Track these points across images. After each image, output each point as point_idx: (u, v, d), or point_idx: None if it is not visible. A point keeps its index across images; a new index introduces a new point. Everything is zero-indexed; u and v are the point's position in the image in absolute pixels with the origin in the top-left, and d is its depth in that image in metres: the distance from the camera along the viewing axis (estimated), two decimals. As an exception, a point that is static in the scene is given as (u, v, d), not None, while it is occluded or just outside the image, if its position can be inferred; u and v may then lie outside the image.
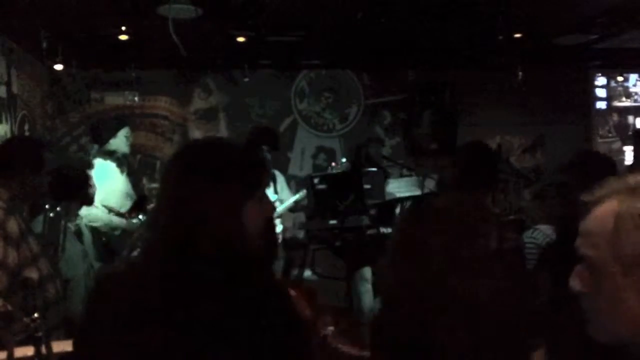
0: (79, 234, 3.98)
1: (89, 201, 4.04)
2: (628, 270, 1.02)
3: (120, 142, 4.73)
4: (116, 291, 1.35)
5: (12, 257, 2.51)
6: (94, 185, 4.15)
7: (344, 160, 5.97)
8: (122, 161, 4.77)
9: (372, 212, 4.89)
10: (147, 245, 1.44)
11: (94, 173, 4.52)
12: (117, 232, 4.48)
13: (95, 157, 4.73)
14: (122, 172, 4.75)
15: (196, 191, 1.36)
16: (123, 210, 4.51)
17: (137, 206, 4.57)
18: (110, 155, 4.68)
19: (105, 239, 4.42)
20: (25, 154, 2.74)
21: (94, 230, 4.37)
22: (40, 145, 2.95)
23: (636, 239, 1.01)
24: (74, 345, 1.42)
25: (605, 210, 1.05)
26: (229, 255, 1.34)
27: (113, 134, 4.73)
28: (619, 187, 1.07)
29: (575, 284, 1.09)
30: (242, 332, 1.27)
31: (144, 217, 4.59)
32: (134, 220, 4.49)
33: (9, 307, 2.30)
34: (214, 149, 1.47)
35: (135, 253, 4.33)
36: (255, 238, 1.42)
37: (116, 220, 4.47)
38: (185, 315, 1.27)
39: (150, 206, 4.70)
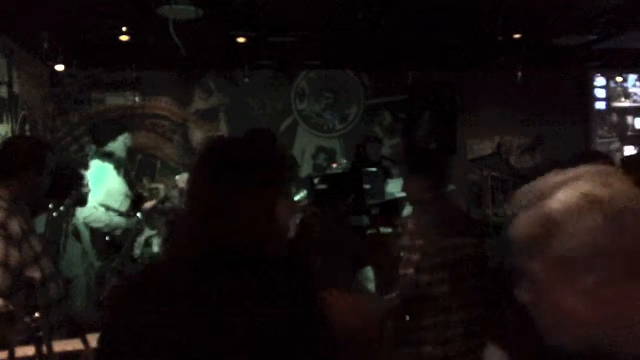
0: (76, 234, 4.00)
1: (83, 201, 4.06)
2: (561, 273, 0.97)
3: (119, 146, 4.75)
4: (145, 292, 1.34)
5: (14, 257, 2.52)
6: (88, 186, 4.16)
7: (344, 161, 5.98)
8: (120, 163, 4.79)
9: (373, 212, 4.91)
10: (177, 246, 1.42)
11: (91, 174, 4.56)
12: (118, 232, 4.52)
13: (93, 158, 4.74)
14: (119, 173, 4.77)
15: (228, 191, 1.33)
16: (122, 210, 4.55)
17: (135, 205, 4.64)
18: (108, 157, 4.70)
19: (109, 238, 4.46)
20: (28, 154, 2.75)
21: (97, 230, 4.40)
22: (43, 145, 2.96)
23: (561, 241, 0.96)
24: (101, 346, 1.41)
25: (526, 217, 1.02)
26: (262, 255, 1.33)
27: (113, 137, 4.74)
28: (533, 196, 1.02)
29: (520, 296, 1.04)
30: (275, 332, 1.27)
31: (142, 216, 4.65)
32: (133, 219, 4.53)
33: (11, 307, 2.31)
34: (243, 146, 1.42)
35: (136, 250, 4.39)
36: (285, 236, 1.41)
37: (117, 219, 4.51)
38: (217, 316, 1.27)
39: (149, 205, 4.76)
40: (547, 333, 1.03)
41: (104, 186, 4.55)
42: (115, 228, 4.52)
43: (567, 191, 0.98)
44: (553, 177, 1.03)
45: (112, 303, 1.41)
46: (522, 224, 1.02)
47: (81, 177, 4.06)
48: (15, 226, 2.57)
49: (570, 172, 1.01)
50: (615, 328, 0.98)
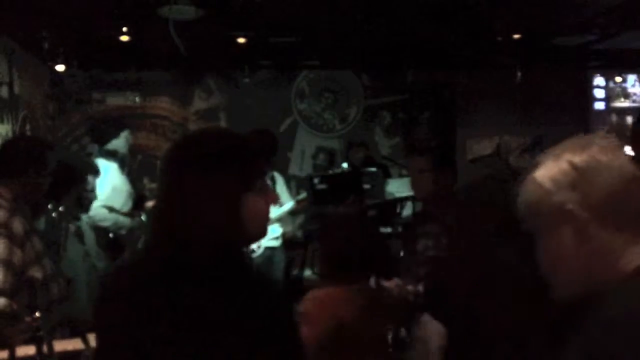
0: (80, 234, 3.99)
1: (85, 205, 4.04)
2: (550, 228, 1.17)
3: (121, 143, 4.75)
4: (122, 288, 1.35)
5: (17, 256, 2.53)
6: (93, 191, 4.15)
7: (345, 165, 5.97)
8: (123, 162, 4.79)
9: (372, 212, 4.91)
10: (149, 240, 1.45)
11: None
12: (123, 231, 4.54)
13: (96, 157, 4.74)
14: (122, 172, 4.77)
15: (193, 184, 1.32)
16: (125, 209, 4.55)
17: (138, 205, 4.64)
18: (112, 155, 4.70)
19: (112, 236, 4.46)
20: (29, 153, 2.75)
21: (102, 229, 4.41)
22: (43, 144, 2.96)
23: (545, 200, 1.17)
24: (97, 340, 1.43)
25: (525, 183, 1.25)
26: (227, 248, 1.34)
27: (115, 134, 4.74)
28: (531, 167, 1.25)
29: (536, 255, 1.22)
30: (242, 324, 1.29)
31: (144, 216, 4.65)
32: (137, 219, 4.54)
33: (14, 307, 2.31)
34: (210, 139, 1.42)
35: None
36: (257, 229, 1.40)
37: (122, 219, 4.52)
38: (186, 310, 1.28)
39: (149, 204, 4.77)
40: (554, 286, 1.19)
41: (108, 185, 4.55)
42: (121, 228, 4.53)
43: (551, 158, 1.22)
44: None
45: (96, 303, 1.42)
46: (522, 190, 1.24)
47: (80, 177, 4.05)
48: (17, 226, 2.58)
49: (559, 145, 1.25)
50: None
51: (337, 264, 2.35)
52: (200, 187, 1.32)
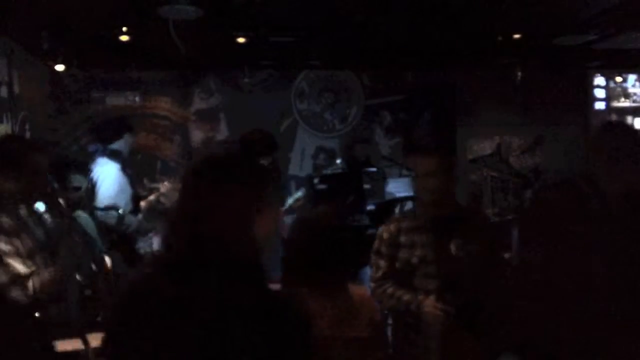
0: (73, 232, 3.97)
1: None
2: None
3: (124, 143, 4.78)
4: (136, 296, 1.42)
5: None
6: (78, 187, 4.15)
7: (338, 161, 5.97)
8: (126, 162, 4.81)
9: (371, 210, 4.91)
10: (163, 255, 1.49)
11: (99, 173, 4.56)
12: (129, 230, 4.56)
13: (100, 156, 4.75)
14: (124, 172, 4.78)
15: (206, 203, 1.41)
16: (128, 209, 4.58)
17: (137, 205, 4.69)
18: (116, 155, 4.72)
19: (116, 236, 4.48)
20: (21, 154, 2.77)
21: (109, 227, 4.43)
22: (28, 145, 2.98)
23: None
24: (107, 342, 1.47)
25: None
26: (238, 264, 1.38)
27: (119, 135, 4.76)
28: None
29: None
30: (248, 341, 1.30)
31: (142, 215, 4.67)
32: (139, 218, 4.57)
33: None
34: (223, 161, 1.52)
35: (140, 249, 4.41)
36: (266, 241, 1.48)
37: (128, 217, 4.55)
38: (194, 322, 1.31)
39: (142, 203, 4.79)
40: None
41: (115, 185, 4.57)
42: (126, 226, 4.55)
43: None
44: None
45: (114, 308, 1.47)
46: None
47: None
48: (5, 224, 2.61)
49: None
50: None
51: (296, 269, 2.28)
52: (214, 202, 1.40)
